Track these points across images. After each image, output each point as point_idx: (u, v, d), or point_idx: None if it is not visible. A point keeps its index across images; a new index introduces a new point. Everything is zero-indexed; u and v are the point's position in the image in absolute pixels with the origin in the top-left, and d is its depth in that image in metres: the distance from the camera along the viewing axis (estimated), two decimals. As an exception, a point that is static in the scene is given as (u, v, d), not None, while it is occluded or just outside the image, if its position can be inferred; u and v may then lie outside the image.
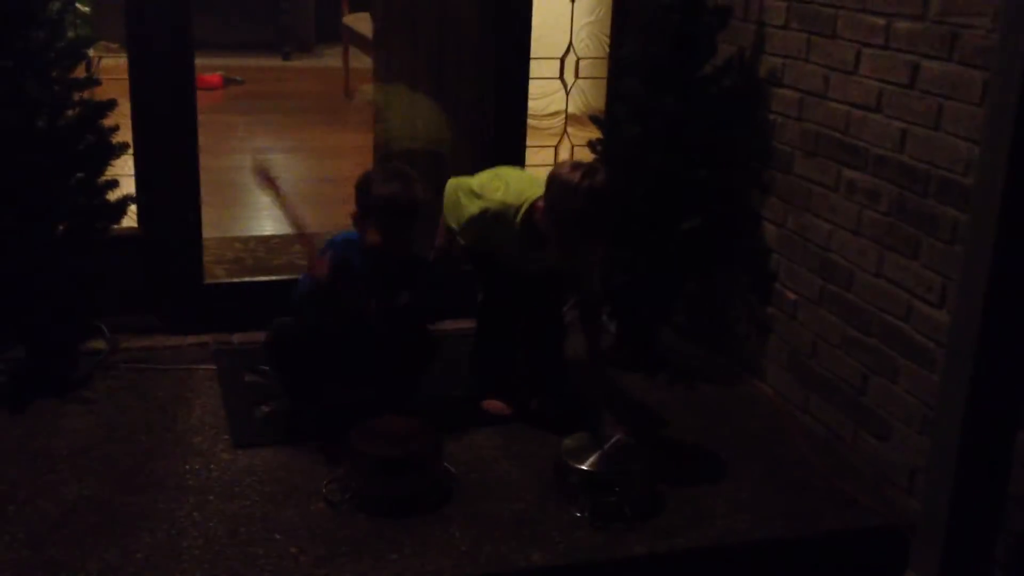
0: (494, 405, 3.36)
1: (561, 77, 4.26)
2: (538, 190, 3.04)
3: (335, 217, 4.23)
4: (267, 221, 5.10)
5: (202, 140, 3.75)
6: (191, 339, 3.75)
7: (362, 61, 7.86)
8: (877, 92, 3.05)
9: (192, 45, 3.64)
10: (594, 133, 3.84)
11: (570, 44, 4.24)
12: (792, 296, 3.50)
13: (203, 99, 4.05)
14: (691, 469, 3.13)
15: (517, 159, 3.96)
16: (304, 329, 3.13)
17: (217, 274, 4.13)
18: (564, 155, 4.33)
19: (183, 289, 3.80)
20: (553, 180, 2.96)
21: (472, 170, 3.37)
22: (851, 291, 3.20)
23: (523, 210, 3.07)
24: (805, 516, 2.94)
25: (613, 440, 2.99)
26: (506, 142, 3.96)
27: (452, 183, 3.30)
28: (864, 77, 3.09)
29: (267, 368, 3.38)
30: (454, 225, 3.24)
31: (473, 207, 3.15)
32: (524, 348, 3.41)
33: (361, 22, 7.55)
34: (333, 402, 3.18)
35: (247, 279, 4.08)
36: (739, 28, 3.66)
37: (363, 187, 3.09)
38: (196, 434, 3.15)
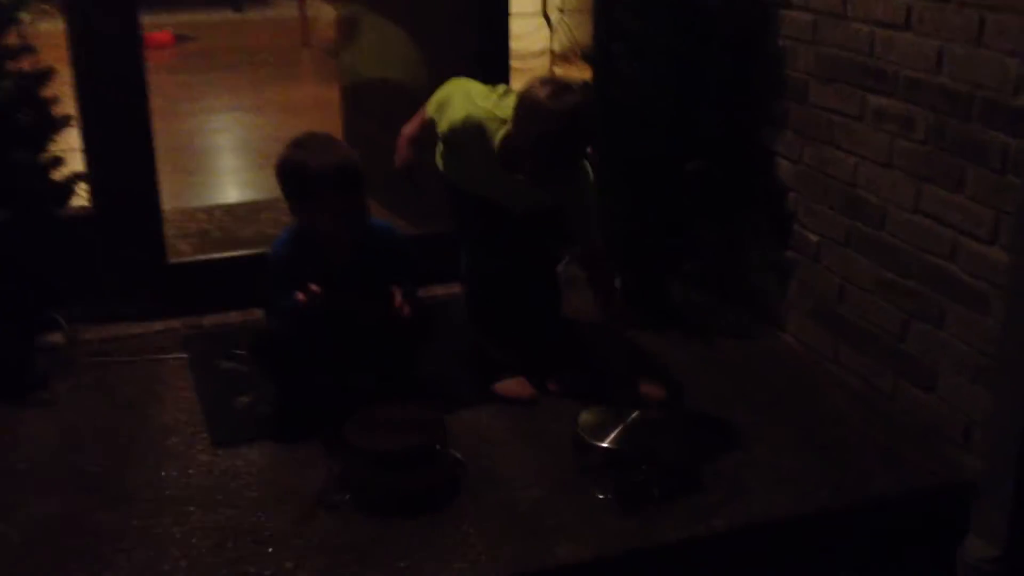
0: (510, 388, 3.01)
1: (544, 12, 3.91)
2: None
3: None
4: (231, 188, 4.75)
5: (155, 104, 3.39)
6: (158, 325, 3.42)
7: (319, 9, 7.46)
8: (906, 8, 2.72)
9: (136, 1, 3.27)
10: (584, 73, 3.50)
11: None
12: (814, 238, 3.20)
13: (153, 59, 3.69)
14: (720, 437, 2.84)
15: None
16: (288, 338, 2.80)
17: (182, 251, 3.79)
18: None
19: (145, 270, 3.45)
20: (522, 99, 2.64)
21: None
22: (884, 230, 2.90)
23: (507, 128, 2.73)
24: (851, 481, 2.67)
25: (635, 413, 2.69)
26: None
27: (455, 80, 2.97)
28: (889, -9, 2.77)
29: (243, 352, 3.05)
30: (437, 120, 2.90)
31: (459, 111, 2.83)
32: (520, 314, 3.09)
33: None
34: (324, 390, 2.85)
35: (215, 255, 3.74)
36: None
37: (293, 169, 2.71)
38: (170, 434, 2.83)
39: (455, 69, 3.68)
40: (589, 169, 2.83)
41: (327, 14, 7.41)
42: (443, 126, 2.86)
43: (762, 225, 3.40)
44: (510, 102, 2.73)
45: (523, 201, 2.88)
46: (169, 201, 3.65)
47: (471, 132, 2.78)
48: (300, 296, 2.57)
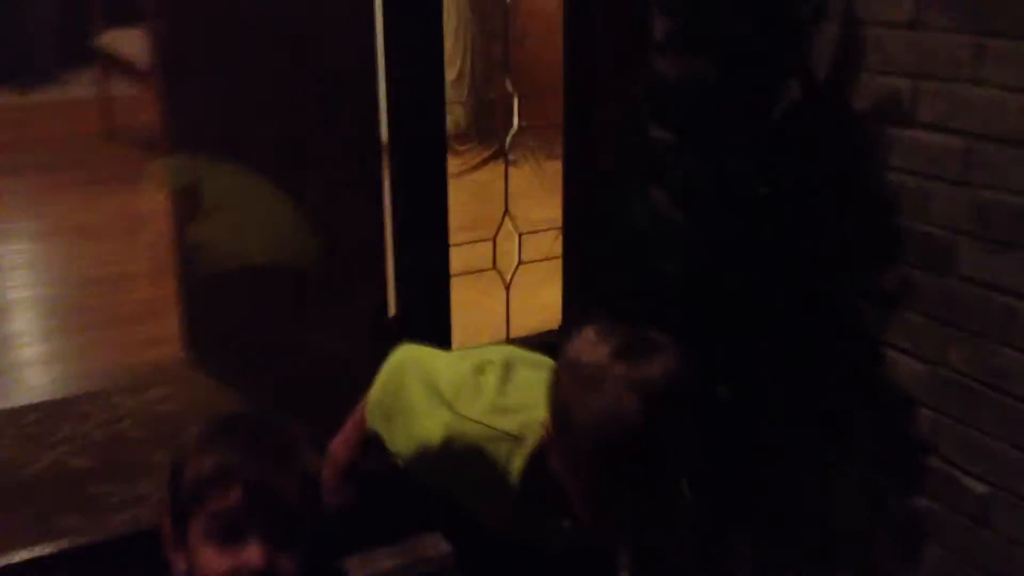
0: None
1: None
2: None
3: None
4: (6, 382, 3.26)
5: None
6: None
7: (125, 91, 6.00)
8: None
9: None
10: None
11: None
12: (979, 488, 2.02)
13: None
14: None
15: (437, 277, 2.35)
16: None
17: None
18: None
19: None
20: (566, 381, 1.37)
21: (363, 303, 2.26)
22: None
23: (529, 449, 1.47)
24: None
25: None
26: (416, 238, 2.35)
27: (406, 354, 1.70)
28: None
29: None
30: (388, 438, 1.64)
31: (433, 421, 1.55)
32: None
33: (125, 41, 5.68)
34: None
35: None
36: (829, 32, 2.14)
37: (170, 473, 1.40)
38: None
39: (361, 209, 2.41)
40: (686, 491, 1.56)
41: (131, 93, 5.98)
42: (401, 448, 1.61)
43: (874, 457, 2.20)
44: (523, 396, 1.51)
45: (563, 538, 1.58)
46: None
47: (459, 460, 1.52)
48: None
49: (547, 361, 1.60)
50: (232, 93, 2.82)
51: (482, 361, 1.59)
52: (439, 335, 2.42)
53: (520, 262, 2.70)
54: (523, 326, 2.70)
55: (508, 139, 2.89)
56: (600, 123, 2.49)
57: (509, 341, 2.68)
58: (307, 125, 2.59)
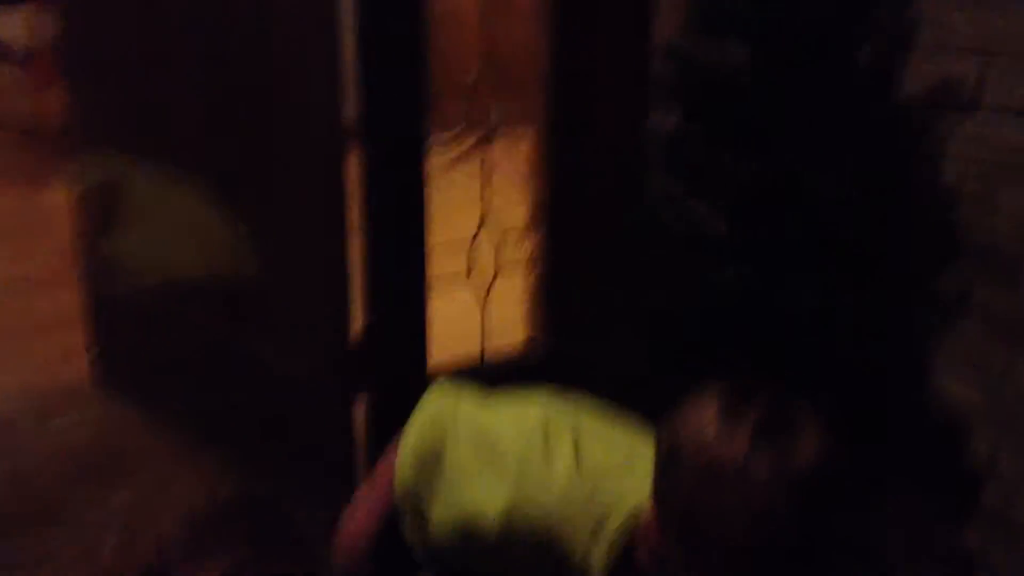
0: None
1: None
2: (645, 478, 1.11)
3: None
4: None
5: None
6: None
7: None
8: None
9: None
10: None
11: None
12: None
13: None
14: None
15: (413, 286, 2.01)
16: None
17: None
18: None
19: None
20: (689, 475, 1.04)
21: (320, 317, 2.01)
22: None
23: (614, 540, 1.16)
24: None
25: None
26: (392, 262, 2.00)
27: (446, 399, 1.36)
28: None
29: None
30: (413, 508, 1.31)
31: (488, 494, 1.22)
32: None
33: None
34: None
35: None
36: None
37: None
38: None
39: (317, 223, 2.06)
40: None
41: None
42: (436, 522, 1.28)
43: (917, 485, 1.94)
44: (603, 468, 1.20)
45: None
46: None
47: (519, 546, 1.20)
48: None
49: (622, 418, 1.29)
50: (154, 81, 2.41)
51: (546, 419, 1.26)
52: (414, 354, 2.09)
53: (496, 274, 2.36)
54: (501, 341, 2.37)
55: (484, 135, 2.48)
56: (595, 115, 2.19)
57: (484, 358, 2.35)
58: (250, 116, 2.20)
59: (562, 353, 2.31)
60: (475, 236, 2.37)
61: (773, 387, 1.05)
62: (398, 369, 2.07)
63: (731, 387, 1.05)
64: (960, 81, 1.77)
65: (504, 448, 1.22)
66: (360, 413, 2.11)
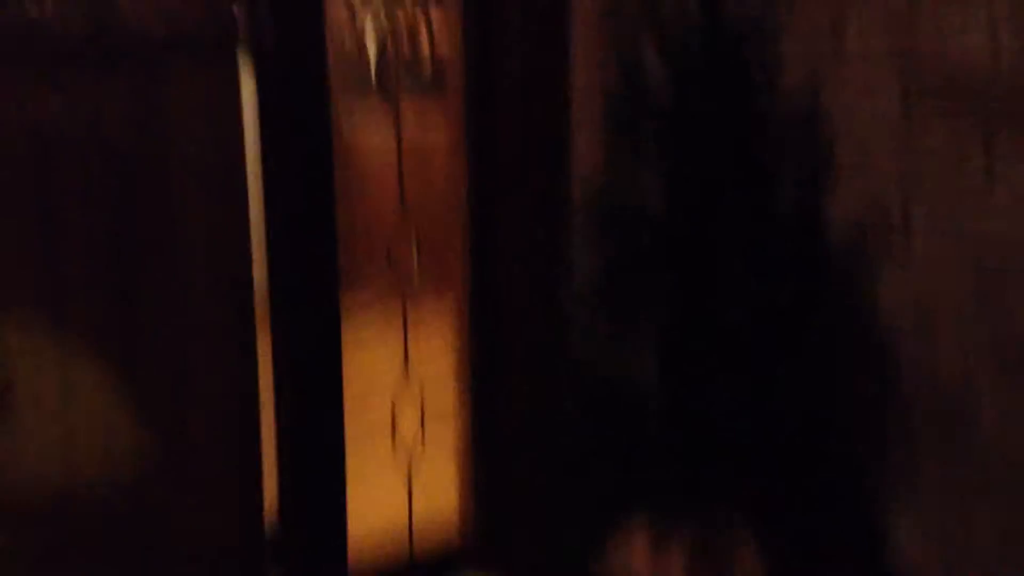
0: None
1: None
2: None
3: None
4: None
5: None
6: None
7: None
8: None
9: None
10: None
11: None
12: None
13: None
14: None
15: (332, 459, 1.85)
16: None
17: None
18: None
19: None
20: None
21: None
22: None
23: None
24: None
25: None
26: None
27: None
28: None
29: None
30: None
31: None
32: None
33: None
34: None
35: None
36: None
37: None
38: None
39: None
40: None
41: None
42: None
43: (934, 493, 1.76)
44: None
45: None
46: None
47: None
48: None
49: None
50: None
51: None
52: (333, 545, 1.89)
53: (423, 440, 2.16)
54: (430, 522, 2.17)
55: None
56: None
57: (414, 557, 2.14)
58: (138, 272, 2.04)
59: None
60: (395, 398, 2.21)
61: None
62: (314, 552, 1.88)
63: None
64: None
65: None
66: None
